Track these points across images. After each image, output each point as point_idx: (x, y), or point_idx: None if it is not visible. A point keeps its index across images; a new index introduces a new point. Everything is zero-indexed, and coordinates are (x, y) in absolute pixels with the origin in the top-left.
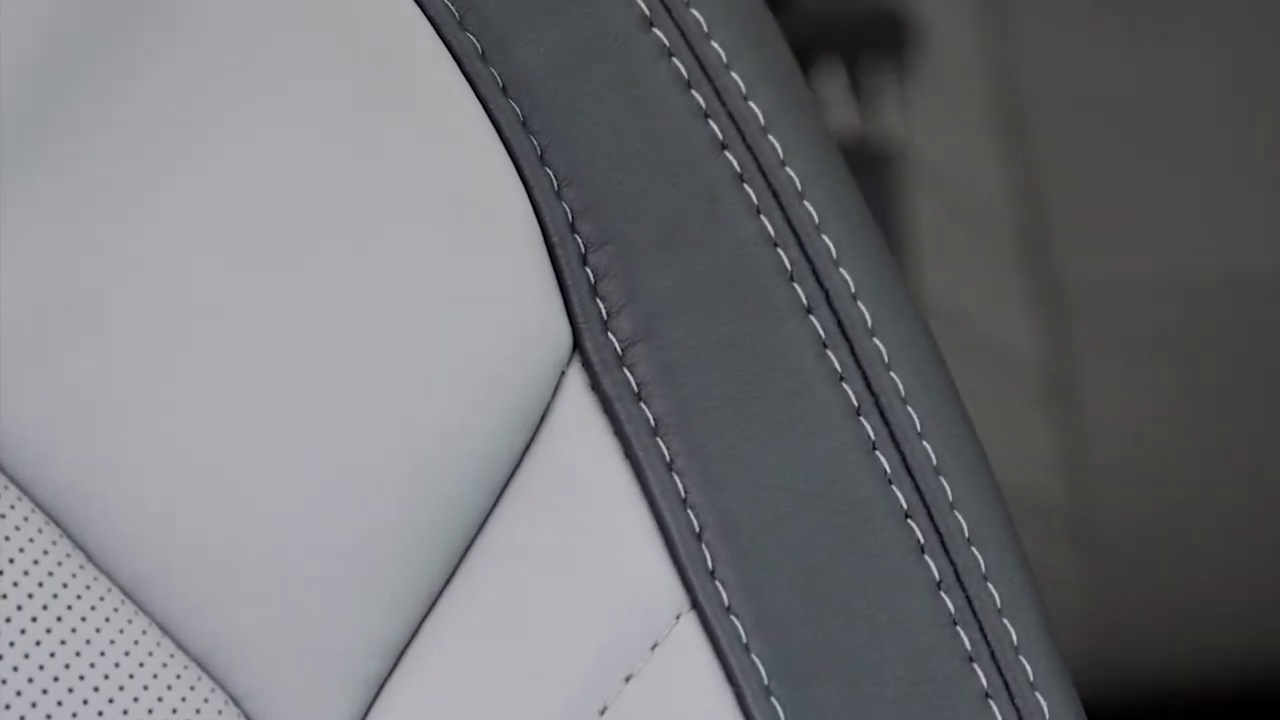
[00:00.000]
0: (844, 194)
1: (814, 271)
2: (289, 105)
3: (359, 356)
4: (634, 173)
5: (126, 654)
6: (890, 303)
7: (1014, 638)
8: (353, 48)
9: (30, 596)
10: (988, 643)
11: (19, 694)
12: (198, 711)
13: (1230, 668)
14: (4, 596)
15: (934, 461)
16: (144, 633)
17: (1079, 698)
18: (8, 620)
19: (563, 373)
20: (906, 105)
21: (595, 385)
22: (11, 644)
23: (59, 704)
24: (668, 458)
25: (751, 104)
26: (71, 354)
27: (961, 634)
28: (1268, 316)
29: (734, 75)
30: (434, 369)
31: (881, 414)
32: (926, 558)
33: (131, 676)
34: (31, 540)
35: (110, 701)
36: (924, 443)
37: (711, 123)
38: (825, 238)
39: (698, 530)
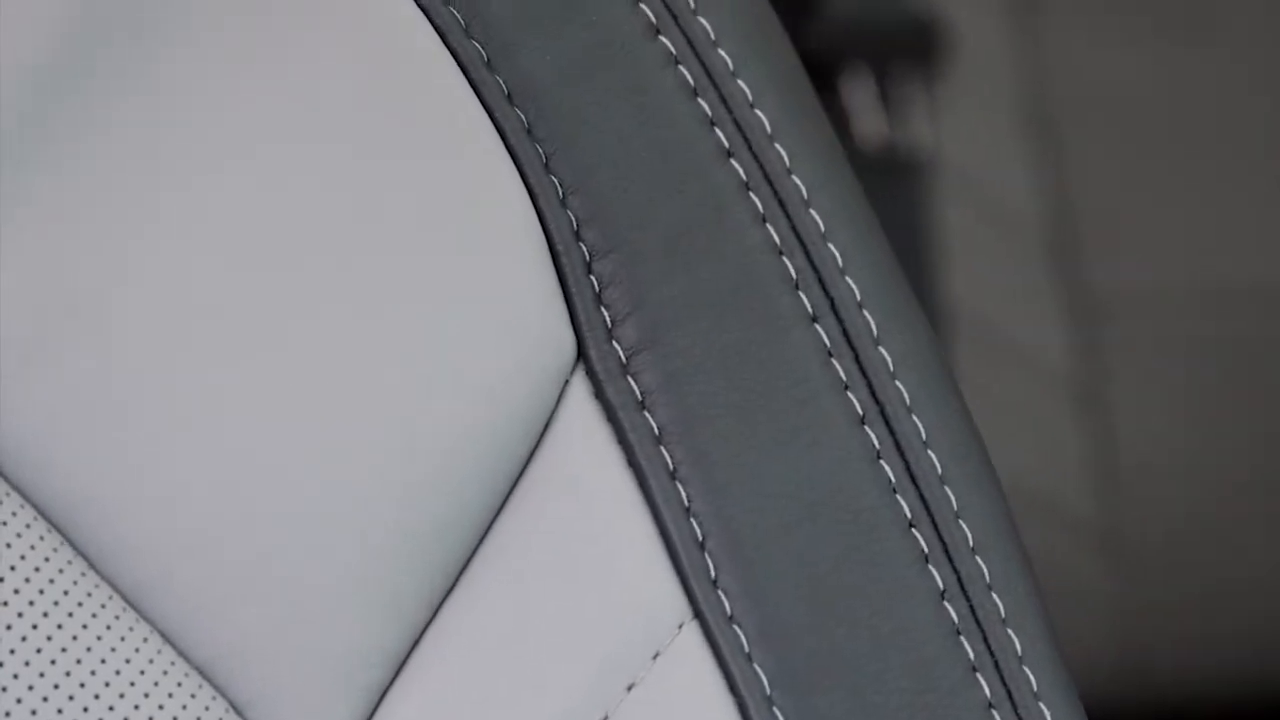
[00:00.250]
0: (850, 202)
1: (819, 280)
2: (292, 110)
3: (360, 362)
4: (639, 180)
5: (127, 661)
6: (896, 311)
7: (1018, 648)
8: (357, 53)
9: (31, 604)
10: (991, 652)
11: (19, 701)
12: (198, 719)
13: (1258, 676)
14: (4, 604)
15: (939, 470)
16: (145, 640)
17: (1086, 706)
18: (8, 628)
19: (567, 381)
20: (936, 112)
21: (599, 393)
22: (12, 651)
23: (59, 712)
24: (671, 466)
25: (758, 111)
26: (71, 356)
27: (965, 644)
28: None
29: (740, 83)
30: (436, 375)
31: (886, 423)
32: (931, 567)
33: (132, 684)
34: (33, 547)
35: (110, 709)
36: (929, 452)
37: (717, 130)
38: (831, 246)
39: (700, 539)
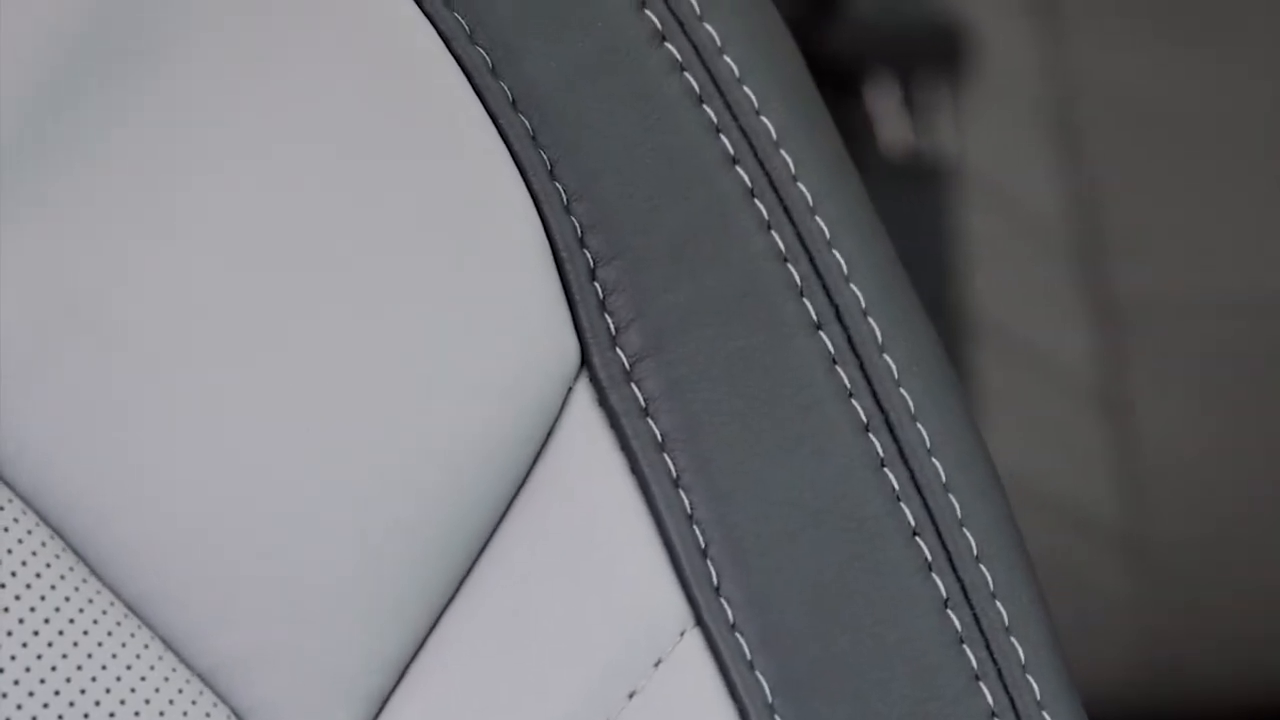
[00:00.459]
0: (856, 209)
1: (824, 287)
2: (294, 114)
3: (361, 368)
4: (644, 187)
5: (128, 668)
6: (901, 318)
7: (1021, 656)
8: (360, 57)
9: (32, 610)
10: (994, 661)
11: (19, 708)
12: None
13: None
14: (5, 610)
15: (943, 478)
16: (146, 647)
17: (1109, 711)
18: (9, 634)
19: (570, 388)
20: (960, 118)
21: (602, 400)
22: (12, 658)
23: (58, 719)
24: (674, 474)
25: (764, 118)
26: (72, 360)
27: (968, 652)
28: None
29: (746, 90)
30: (438, 382)
31: (890, 430)
32: (934, 575)
33: (133, 691)
34: (34, 553)
35: (111, 716)
36: (933, 460)
37: (723, 137)
38: (836, 253)
39: (703, 546)
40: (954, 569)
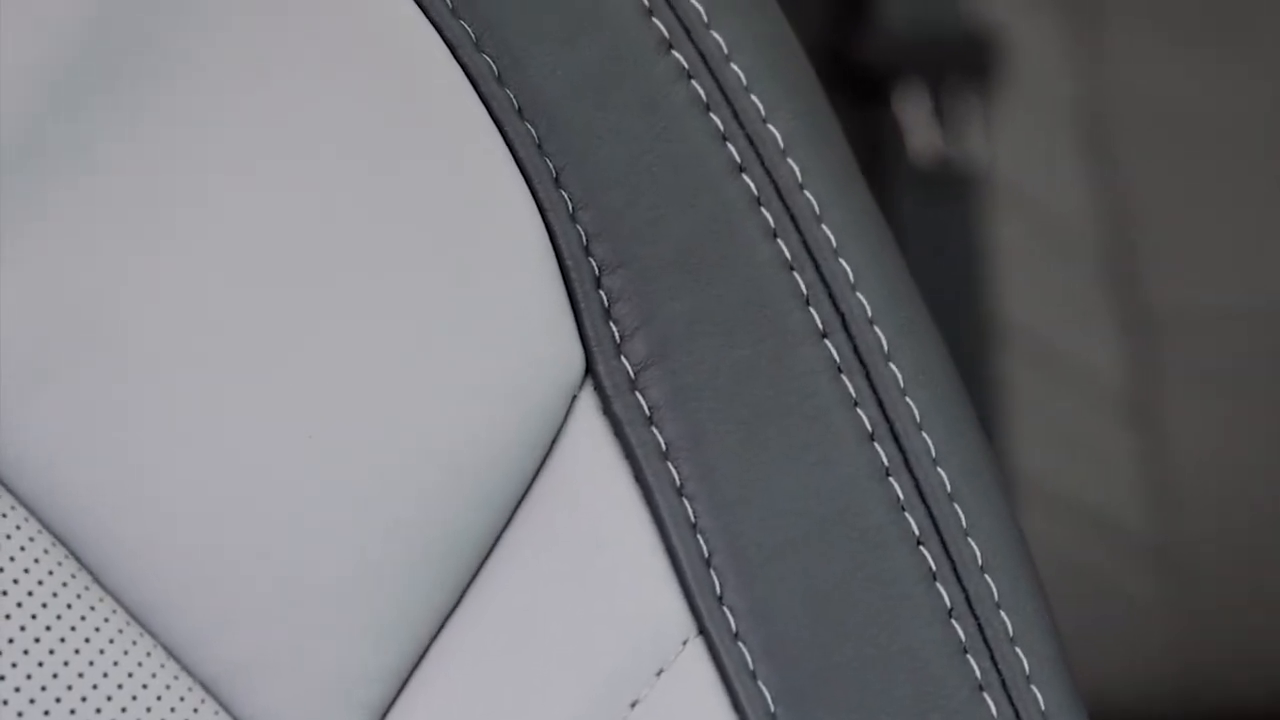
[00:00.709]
0: (863, 217)
1: (830, 295)
2: (300, 122)
3: (363, 375)
4: (650, 196)
5: (130, 676)
6: (908, 327)
7: (1026, 666)
8: (365, 66)
9: (34, 618)
10: (999, 671)
11: (20, 715)
12: None
13: None
14: (7, 617)
15: (948, 487)
16: (148, 655)
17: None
18: (10, 641)
19: (575, 396)
20: (991, 126)
21: (607, 408)
22: (14, 665)
23: None
24: (678, 482)
25: (770, 127)
26: (78, 369)
27: (972, 662)
28: None
29: (753, 98)
30: (442, 391)
31: (896, 439)
32: (938, 585)
33: (134, 698)
34: (36, 561)
35: None
36: (939, 469)
37: (729, 146)
38: (843, 261)
39: (707, 555)
40: (958, 579)
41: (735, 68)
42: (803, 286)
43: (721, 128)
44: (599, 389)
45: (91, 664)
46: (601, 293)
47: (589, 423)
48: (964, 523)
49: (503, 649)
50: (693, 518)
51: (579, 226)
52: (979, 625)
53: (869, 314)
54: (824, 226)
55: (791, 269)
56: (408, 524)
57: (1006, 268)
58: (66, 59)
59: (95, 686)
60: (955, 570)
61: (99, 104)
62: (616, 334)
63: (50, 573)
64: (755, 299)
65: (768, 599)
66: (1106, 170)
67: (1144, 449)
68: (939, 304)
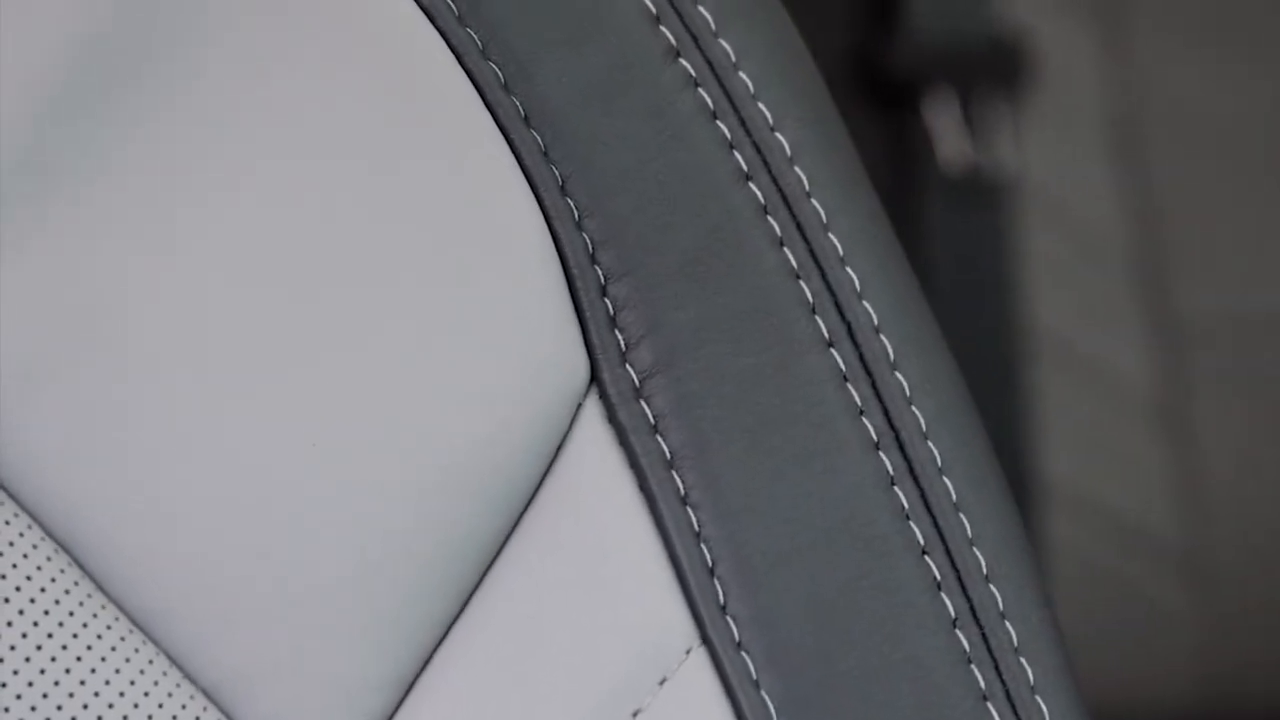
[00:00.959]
0: (870, 226)
1: (836, 304)
2: (305, 129)
3: (366, 381)
4: (656, 203)
5: (132, 683)
6: (914, 337)
7: (1031, 677)
8: (371, 73)
9: (35, 625)
10: (1003, 681)
11: None
12: None
13: None
14: (9, 624)
15: (954, 497)
16: (150, 662)
17: None
18: (12, 648)
19: (580, 404)
20: (1021, 134)
21: (612, 417)
22: (15, 672)
23: None
24: (682, 491)
25: (778, 135)
26: (81, 375)
27: (976, 672)
28: None
29: (761, 106)
30: (446, 397)
31: (901, 449)
32: (943, 594)
33: (136, 706)
34: (39, 568)
35: None
36: (944, 478)
37: (736, 154)
38: (849, 270)
39: (710, 564)
40: (963, 588)
41: (743, 75)
42: (809, 295)
43: (728, 135)
44: (604, 397)
45: (94, 671)
46: (607, 300)
47: (594, 431)
48: (969, 532)
49: (506, 657)
50: (697, 526)
51: (584, 234)
52: (983, 635)
53: (875, 322)
54: (830, 235)
55: (798, 277)
56: (410, 530)
57: (1036, 274)
58: (70, 64)
59: (98, 694)
60: (960, 580)
61: (102, 108)
62: (622, 342)
63: (53, 579)
64: (761, 307)
65: (771, 608)
66: (1135, 176)
67: (1172, 454)
68: (968, 311)
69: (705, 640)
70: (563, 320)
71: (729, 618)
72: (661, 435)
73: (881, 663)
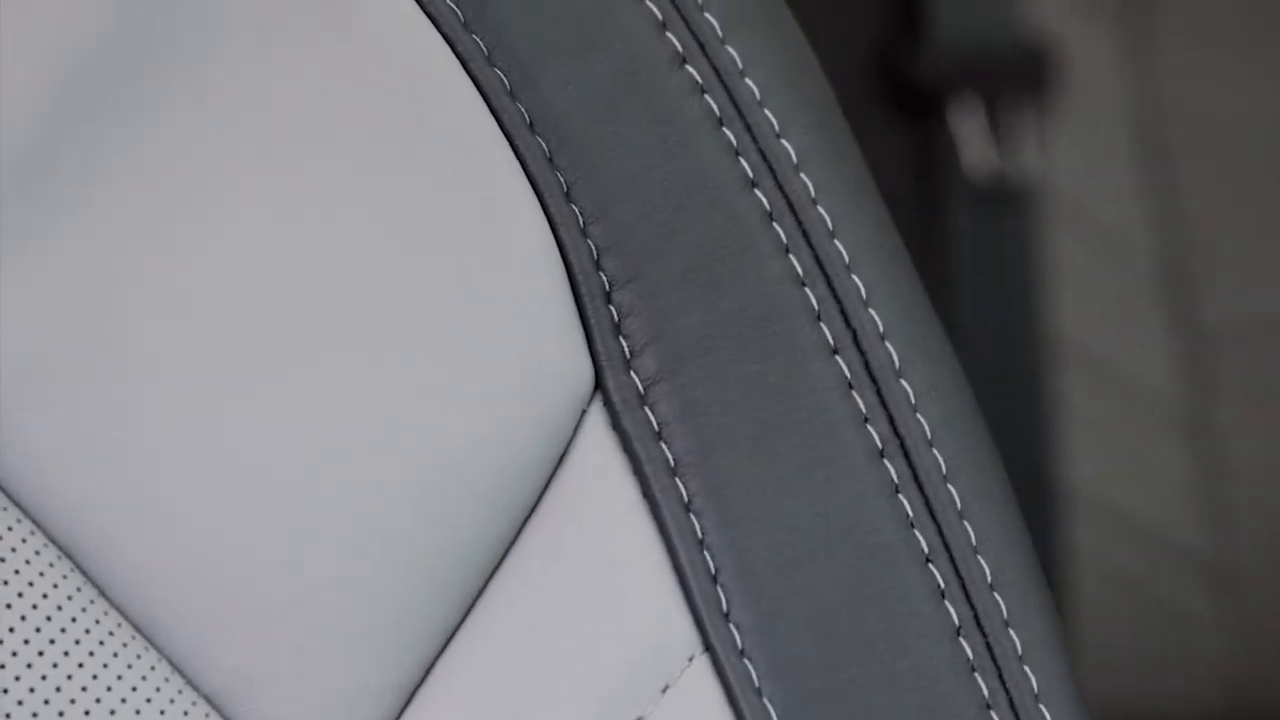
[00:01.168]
0: (877, 233)
1: (842, 311)
2: (309, 134)
3: (377, 393)
4: (662, 210)
5: (134, 689)
6: (920, 344)
7: (1034, 685)
8: (376, 79)
9: (38, 630)
10: (1006, 690)
11: None
12: None
13: None
14: (10, 630)
15: (958, 506)
16: (152, 669)
17: None
18: (14, 654)
19: (584, 411)
20: (1046, 141)
21: (616, 424)
22: (16, 678)
23: None
24: (686, 498)
25: (784, 141)
26: (83, 382)
27: (980, 680)
28: None
29: (767, 112)
30: (450, 405)
31: (906, 456)
32: (946, 603)
33: (138, 713)
34: (41, 574)
35: None
36: (949, 486)
37: (742, 160)
38: (855, 277)
39: (714, 572)
40: (967, 596)
41: (749, 82)
42: (814, 302)
43: (734, 142)
44: (608, 404)
45: (95, 678)
46: (612, 308)
47: (598, 438)
48: (973, 540)
49: (509, 664)
50: (700, 534)
51: (590, 241)
52: (987, 643)
53: (880, 330)
54: (836, 241)
55: (803, 284)
56: (412, 536)
57: (1060, 280)
58: (75, 69)
59: (99, 700)
60: (964, 588)
61: (106, 114)
62: (626, 349)
63: (55, 586)
64: (766, 314)
65: (774, 615)
66: (1160, 181)
67: (1196, 459)
68: (993, 317)
69: (708, 647)
70: (567, 327)
71: (732, 625)
72: (665, 442)
73: (884, 671)
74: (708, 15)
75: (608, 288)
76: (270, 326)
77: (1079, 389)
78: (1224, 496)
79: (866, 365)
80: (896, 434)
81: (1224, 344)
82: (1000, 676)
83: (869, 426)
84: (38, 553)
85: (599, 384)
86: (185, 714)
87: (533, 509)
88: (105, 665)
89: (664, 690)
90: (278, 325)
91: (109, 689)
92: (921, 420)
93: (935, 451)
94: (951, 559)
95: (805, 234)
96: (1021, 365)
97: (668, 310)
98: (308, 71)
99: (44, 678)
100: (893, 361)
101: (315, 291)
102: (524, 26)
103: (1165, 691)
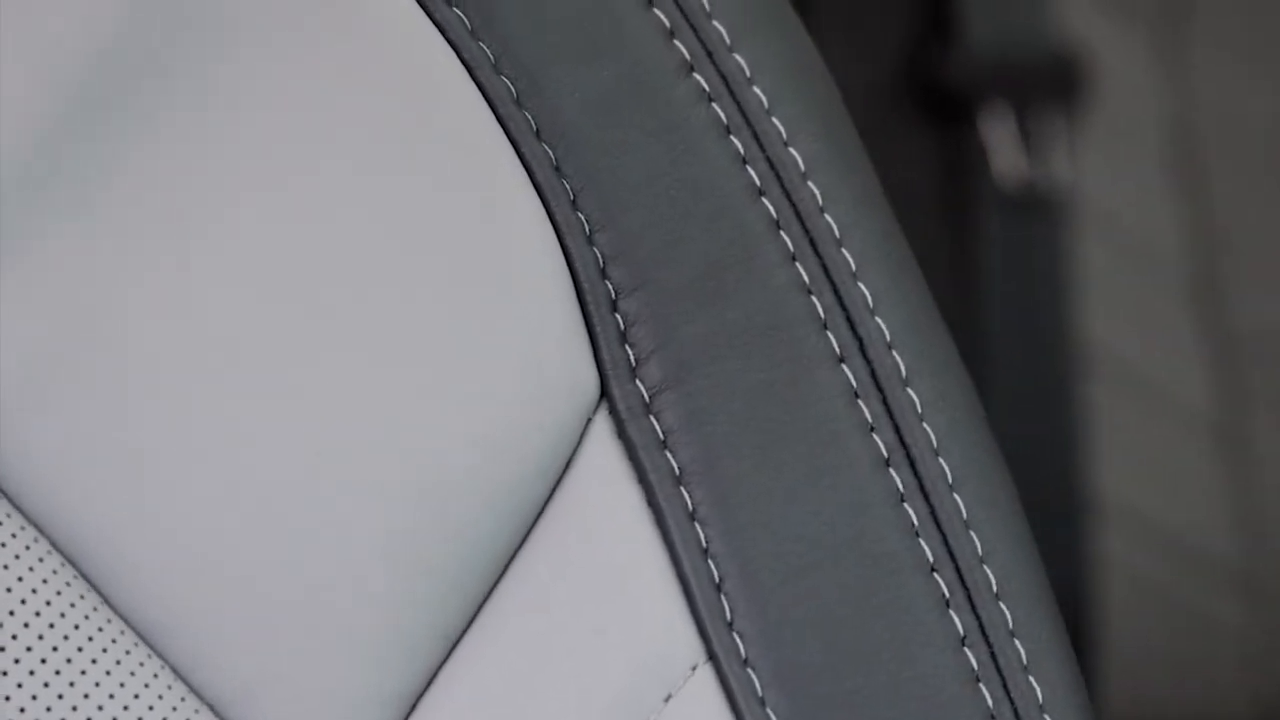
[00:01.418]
0: (884, 241)
1: (848, 320)
2: (317, 143)
3: (381, 399)
4: (668, 218)
5: (136, 697)
6: (927, 353)
7: (1039, 695)
8: (382, 87)
9: (40, 638)
10: (1011, 700)
11: None
12: None
13: None
14: (14, 638)
15: (964, 515)
16: (155, 676)
17: None
18: (16, 662)
19: (589, 419)
20: (1077, 148)
21: (621, 432)
22: (19, 685)
23: None
24: (690, 507)
25: (792, 150)
26: (86, 388)
27: (984, 690)
28: None
29: (775, 121)
30: (455, 413)
31: (912, 465)
32: (951, 612)
33: (126, 709)
34: (45, 581)
35: None
36: (954, 495)
37: (749, 169)
38: (862, 285)
39: (718, 581)
40: (972, 606)
41: (757, 90)
42: (820, 310)
43: (742, 151)
44: (613, 412)
45: (98, 685)
46: (618, 316)
47: (603, 446)
48: (979, 549)
49: (513, 673)
50: (704, 543)
51: (596, 249)
52: (992, 653)
53: (887, 338)
54: (844, 250)
55: (809, 292)
56: (415, 539)
57: (1091, 288)
58: (79, 76)
59: (101, 708)
60: (969, 597)
61: (107, 115)
62: (632, 357)
63: (58, 593)
64: (772, 323)
65: (778, 625)
66: (1191, 189)
67: (1227, 468)
68: (1023, 325)
69: (711, 656)
70: (573, 335)
71: (736, 634)
72: (670, 451)
73: (889, 680)
74: (716, 23)
75: (613, 295)
76: (270, 326)
77: (1108, 396)
78: (1253, 503)
79: (873, 373)
80: (902, 442)
81: (1254, 351)
82: (1005, 686)
83: (875, 435)
84: (41, 560)
85: (604, 392)
86: (175, 709)
87: (538, 516)
88: (107, 673)
89: (667, 699)
90: (278, 325)
91: (111, 696)
92: (927, 429)
93: (941, 460)
94: (957, 568)
95: (812, 242)
96: (1051, 372)
97: (673, 318)
98: (308, 72)
99: (46, 685)
100: (899, 370)
101: (315, 291)
102: (531, 35)
103: (1192, 699)
